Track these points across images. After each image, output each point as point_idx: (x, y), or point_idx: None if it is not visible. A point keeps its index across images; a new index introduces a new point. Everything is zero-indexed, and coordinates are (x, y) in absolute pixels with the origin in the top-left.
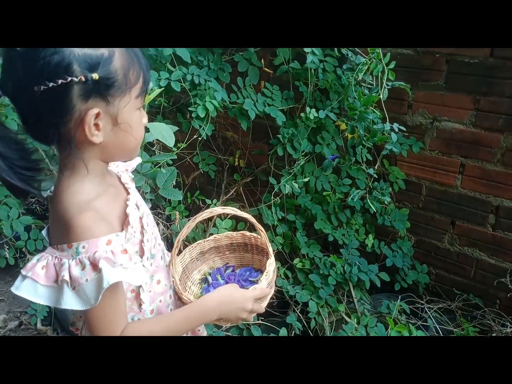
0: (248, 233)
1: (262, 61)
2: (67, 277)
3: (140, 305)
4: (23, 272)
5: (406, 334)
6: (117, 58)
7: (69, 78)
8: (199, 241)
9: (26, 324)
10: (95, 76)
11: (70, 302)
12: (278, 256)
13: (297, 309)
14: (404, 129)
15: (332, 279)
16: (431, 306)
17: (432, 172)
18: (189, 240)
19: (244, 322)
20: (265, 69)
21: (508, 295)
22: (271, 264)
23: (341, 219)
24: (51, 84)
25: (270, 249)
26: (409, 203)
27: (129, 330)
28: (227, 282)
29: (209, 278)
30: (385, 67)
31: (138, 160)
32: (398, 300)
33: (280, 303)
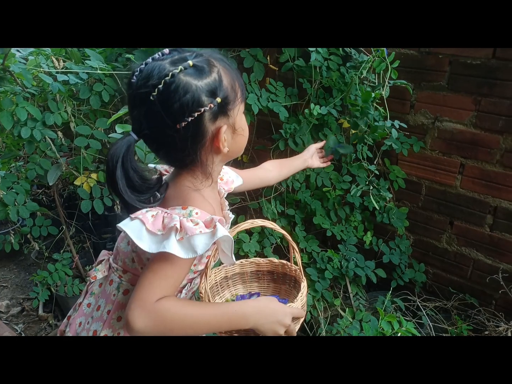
0: (276, 261)
1: (268, 58)
2: (178, 226)
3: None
4: (133, 215)
5: (396, 325)
6: (223, 76)
7: (202, 109)
8: (225, 265)
9: (28, 310)
10: (218, 100)
11: (173, 247)
12: (277, 250)
13: None
14: (405, 126)
15: (328, 273)
16: (426, 304)
17: (432, 172)
18: None
19: None
20: (271, 66)
21: (500, 292)
22: (305, 286)
23: (340, 215)
24: (190, 119)
25: (302, 273)
26: (409, 202)
27: (169, 300)
28: None
29: None
30: (389, 65)
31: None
32: (393, 296)
33: None
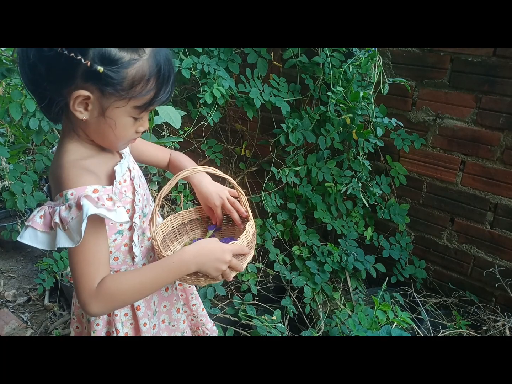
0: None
1: (272, 55)
2: (58, 220)
3: (133, 258)
4: (26, 223)
5: (391, 314)
6: (135, 67)
7: (79, 57)
8: (181, 211)
9: (34, 300)
10: (100, 69)
11: (63, 241)
12: (278, 244)
13: (293, 295)
14: (401, 124)
15: (328, 266)
16: (427, 300)
17: (434, 168)
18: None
19: (240, 302)
20: (275, 62)
21: (496, 285)
22: (251, 225)
23: (341, 210)
24: (65, 52)
25: (250, 213)
26: (410, 198)
27: (108, 280)
28: None
29: None
30: (377, 64)
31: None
32: (393, 292)
33: (277, 289)
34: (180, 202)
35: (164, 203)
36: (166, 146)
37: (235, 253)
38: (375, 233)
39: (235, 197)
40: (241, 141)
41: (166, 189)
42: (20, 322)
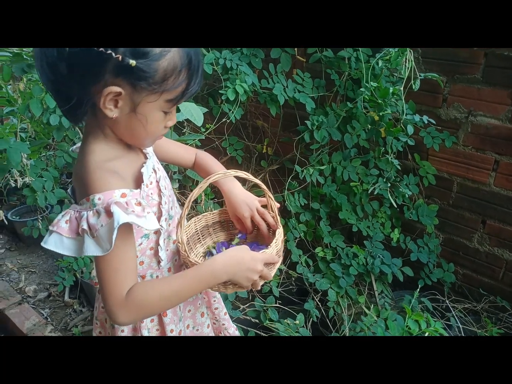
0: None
1: (296, 49)
2: (85, 227)
3: (158, 262)
4: (50, 227)
5: (423, 324)
6: (167, 59)
7: (109, 51)
8: (205, 213)
9: (54, 296)
10: (132, 62)
11: (91, 249)
12: (300, 244)
13: (316, 298)
14: (433, 121)
15: (353, 269)
16: (455, 305)
17: (465, 168)
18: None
19: (261, 305)
20: (298, 57)
21: None
22: (280, 233)
23: (367, 211)
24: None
25: (279, 219)
26: (439, 199)
27: (137, 289)
28: None
29: (214, 252)
30: (408, 59)
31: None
32: (420, 296)
33: (300, 291)
34: (201, 201)
35: (185, 201)
36: (187, 144)
37: (266, 262)
38: (401, 235)
39: (265, 205)
40: (263, 137)
41: (196, 192)
42: (40, 318)
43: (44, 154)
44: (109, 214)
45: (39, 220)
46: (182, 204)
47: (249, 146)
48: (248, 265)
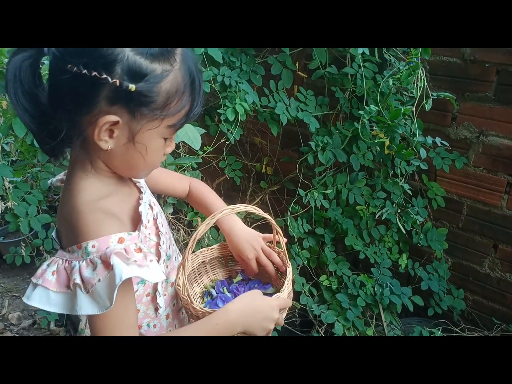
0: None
1: (297, 65)
2: (78, 280)
3: (156, 309)
4: (33, 280)
5: None
6: (169, 80)
7: (104, 75)
8: (203, 249)
9: (39, 323)
10: (132, 87)
11: (86, 307)
12: (303, 272)
13: (321, 330)
14: (447, 144)
15: (361, 300)
16: (466, 334)
17: (476, 190)
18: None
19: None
20: (299, 73)
21: None
22: (290, 273)
23: (374, 236)
24: (84, 71)
25: (287, 257)
26: (448, 222)
27: None
28: (235, 295)
29: (213, 292)
30: (420, 77)
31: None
32: (429, 324)
33: (303, 322)
34: (197, 225)
35: (180, 227)
36: (183, 167)
37: (281, 308)
38: (409, 261)
39: (271, 242)
40: (261, 155)
41: (201, 231)
42: None
43: (29, 171)
44: (107, 265)
45: (22, 248)
46: (176, 229)
47: (247, 165)
48: (264, 314)
